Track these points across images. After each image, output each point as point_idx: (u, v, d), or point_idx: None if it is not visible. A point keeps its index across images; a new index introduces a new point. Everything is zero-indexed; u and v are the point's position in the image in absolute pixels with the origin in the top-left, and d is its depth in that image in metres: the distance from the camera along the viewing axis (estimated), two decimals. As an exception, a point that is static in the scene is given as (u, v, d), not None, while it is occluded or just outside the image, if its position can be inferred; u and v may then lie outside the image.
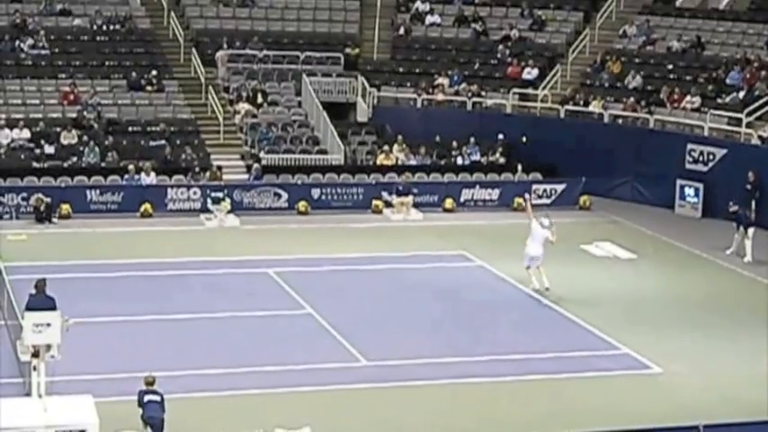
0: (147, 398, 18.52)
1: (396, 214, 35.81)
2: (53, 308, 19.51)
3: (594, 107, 40.40)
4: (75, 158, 36.87)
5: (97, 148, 37.07)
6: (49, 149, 37.08)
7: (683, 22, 44.38)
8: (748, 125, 37.08)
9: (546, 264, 30.44)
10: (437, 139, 40.75)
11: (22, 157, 36.84)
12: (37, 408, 18.05)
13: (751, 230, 31.71)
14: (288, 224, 34.54)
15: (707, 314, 26.93)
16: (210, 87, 40.98)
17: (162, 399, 18.50)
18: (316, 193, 36.39)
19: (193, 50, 42.59)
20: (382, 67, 44.62)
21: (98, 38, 42.78)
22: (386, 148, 39.48)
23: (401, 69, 44.29)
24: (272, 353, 23.11)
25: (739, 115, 37.26)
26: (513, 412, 20.72)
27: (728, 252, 32.03)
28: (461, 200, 37.28)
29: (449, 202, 36.95)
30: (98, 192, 34.91)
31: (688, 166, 37.32)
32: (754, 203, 33.28)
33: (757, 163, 34.98)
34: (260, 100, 41.09)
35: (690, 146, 37.38)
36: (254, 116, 40.40)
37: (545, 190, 37.84)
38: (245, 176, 37.51)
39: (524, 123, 40.79)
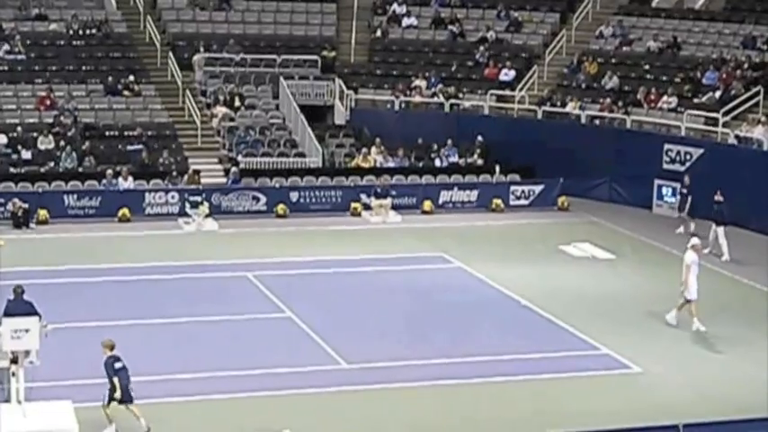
0: (117, 365, 18.92)
1: (374, 217, 35.78)
2: (31, 313, 19.42)
3: (571, 108, 40.47)
4: (52, 163, 36.73)
5: (74, 153, 36.94)
6: (26, 155, 36.93)
7: (658, 23, 44.54)
8: (725, 125, 37.21)
9: (524, 265, 30.51)
10: (415, 141, 40.75)
11: (-1, 162, 36.78)
12: (16, 414, 17.99)
13: (721, 229, 31.83)
14: (266, 227, 34.50)
15: (686, 313, 26.96)
16: (188, 91, 40.90)
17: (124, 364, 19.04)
18: (294, 196, 36.36)
19: (170, 54, 42.47)
20: (359, 69, 44.60)
21: (74, 42, 42.63)
22: (364, 150, 39.47)
23: (378, 72, 44.30)
24: (252, 356, 23.04)
25: (716, 115, 37.39)
26: (493, 413, 20.74)
27: (705, 252, 32.09)
28: (440, 202, 37.30)
29: (427, 204, 36.94)
30: (75, 197, 34.81)
31: (665, 166, 37.44)
32: (688, 206, 34.04)
33: (734, 162, 35.16)
34: (237, 103, 41.00)
35: (667, 146, 37.52)
36: (232, 119, 40.32)
37: (523, 191, 37.91)
38: (223, 180, 37.45)
39: (502, 125, 40.85)
